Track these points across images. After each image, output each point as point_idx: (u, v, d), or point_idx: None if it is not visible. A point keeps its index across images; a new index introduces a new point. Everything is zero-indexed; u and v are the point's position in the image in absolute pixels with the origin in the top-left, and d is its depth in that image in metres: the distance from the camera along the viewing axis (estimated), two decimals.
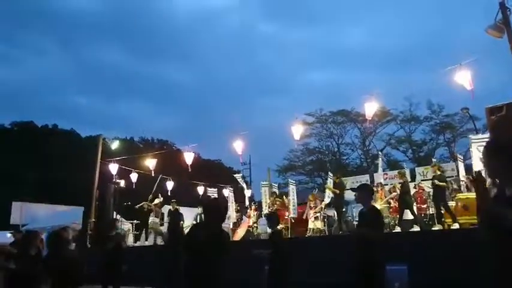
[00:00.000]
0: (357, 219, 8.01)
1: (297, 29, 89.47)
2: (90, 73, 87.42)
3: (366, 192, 4.98)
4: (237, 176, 18.67)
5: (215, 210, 3.50)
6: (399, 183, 11.94)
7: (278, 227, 6.75)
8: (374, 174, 19.25)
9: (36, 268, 4.41)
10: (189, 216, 14.16)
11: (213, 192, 18.78)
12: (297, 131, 11.24)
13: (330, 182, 14.17)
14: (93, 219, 13.53)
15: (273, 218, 6.47)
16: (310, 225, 12.74)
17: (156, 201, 15.08)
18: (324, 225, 12.66)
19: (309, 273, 8.08)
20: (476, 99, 9.03)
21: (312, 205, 13.23)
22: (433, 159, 14.37)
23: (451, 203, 10.24)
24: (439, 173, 10.27)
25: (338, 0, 75.37)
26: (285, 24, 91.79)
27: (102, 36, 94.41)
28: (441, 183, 9.82)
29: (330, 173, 15.21)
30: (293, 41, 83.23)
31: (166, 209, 14.76)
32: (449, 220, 9.74)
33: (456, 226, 8.94)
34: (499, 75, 11.16)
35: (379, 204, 10.92)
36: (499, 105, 7.59)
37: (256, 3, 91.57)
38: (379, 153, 18.50)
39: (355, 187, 5.63)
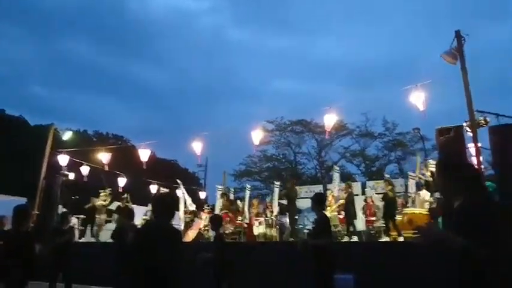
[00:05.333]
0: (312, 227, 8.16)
1: (267, 37, 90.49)
2: (53, 64, 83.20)
3: (317, 201, 5.12)
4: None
5: (166, 204, 3.38)
6: (345, 193, 12.35)
7: (221, 230, 6.67)
8: (328, 185, 19.71)
9: None
10: (140, 214, 13.80)
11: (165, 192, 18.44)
12: (257, 136, 11.28)
13: (276, 192, 14.43)
14: (37, 212, 12.83)
15: (215, 220, 6.35)
16: (255, 231, 12.94)
17: (102, 196, 14.59)
18: (276, 232, 12.81)
19: (257, 279, 8.10)
20: (428, 120, 9.51)
21: (254, 211, 13.50)
22: (386, 175, 14.94)
23: (398, 217, 10.68)
24: (389, 187, 10.69)
25: (309, 12, 77.14)
26: (257, 32, 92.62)
27: (71, 29, 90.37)
28: (392, 198, 10.25)
29: (275, 182, 15.41)
30: (263, 48, 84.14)
31: (115, 205, 14.29)
32: (394, 233, 10.16)
33: (401, 239, 9.32)
34: (450, 99, 11.81)
35: (329, 212, 11.20)
36: (448, 127, 8.04)
37: (229, 8, 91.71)
38: (335, 166, 19.09)
39: (311, 196, 5.74)
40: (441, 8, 63.72)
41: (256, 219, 13.40)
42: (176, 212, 6.04)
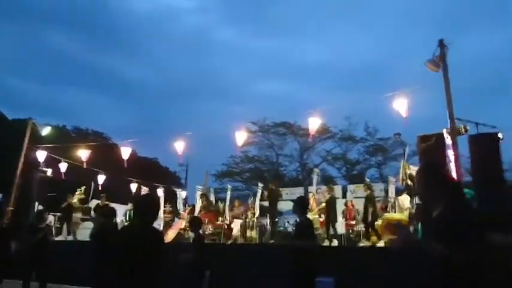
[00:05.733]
0: (292, 230, 8.16)
1: (251, 38, 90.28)
2: (30, 55, 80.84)
3: (300, 205, 5.11)
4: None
5: (149, 205, 3.32)
6: (327, 194, 12.42)
7: (201, 232, 6.63)
8: (309, 187, 19.82)
9: None
10: (120, 213, 13.59)
11: (144, 191, 18.26)
12: (241, 137, 11.24)
13: (259, 193, 14.45)
14: (11, 208, 12.49)
15: (195, 222, 6.30)
16: (235, 232, 12.92)
17: (78, 193, 14.35)
18: (256, 234, 12.78)
19: (236, 280, 8.06)
20: (409, 126, 9.66)
21: (236, 212, 13.50)
22: (367, 179, 15.10)
23: (377, 222, 10.79)
24: (369, 191, 10.81)
25: (296, 15, 77.56)
26: (240, 32, 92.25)
27: (52, 20, 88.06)
28: (372, 202, 10.36)
29: (259, 184, 15.40)
30: (246, 49, 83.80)
31: (94, 203, 14.03)
32: (374, 237, 10.27)
33: (381, 244, 9.42)
34: (431, 105, 12.02)
35: (311, 215, 11.25)
36: (429, 134, 8.19)
37: (217, 8, 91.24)
38: (315, 169, 19.34)
39: (294, 198, 5.74)
40: (423, 13, 65.01)
41: (237, 219, 13.38)
42: None
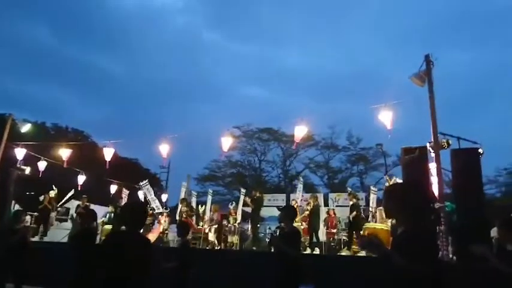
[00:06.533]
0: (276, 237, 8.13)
1: (239, 42, 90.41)
2: (6, 49, 78.44)
3: (289, 214, 5.10)
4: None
5: (137, 214, 3.28)
6: (312, 203, 12.49)
7: (188, 237, 6.54)
8: (291, 194, 19.90)
9: None
10: (100, 214, 13.33)
11: (125, 193, 18.00)
12: (227, 142, 11.20)
13: (241, 199, 14.41)
14: None
15: (183, 227, 6.22)
16: (210, 237, 12.86)
17: (52, 194, 14.05)
18: (237, 239, 12.73)
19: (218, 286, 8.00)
20: (391, 138, 9.81)
21: (212, 217, 13.44)
22: (349, 188, 15.27)
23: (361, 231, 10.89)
24: (355, 200, 10.91)
25: (283, 22, 77.97)
26: (229, 35, 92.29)
27: (30, 12, 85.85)
28: (358, 212, 10.49)
29: (242, 189, 15.37)
30: (234, 53, 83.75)
31: (74, 204, 13.74)
32: (355, 246, 10.36)
33: (363, 253, 9.50)
34: (413, 119, 12.25)
35: (294, 223, 11.27)
36: (413, 147, 8.32)
37: (203, 10, 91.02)
38: (300, 177, 19.47)
39: (277, 205, 5.72)
40: (408, 27, 66.41)
41: (210, 226, 13.32)
42: None
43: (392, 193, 2.68)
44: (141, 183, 17.74)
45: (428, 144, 8.31)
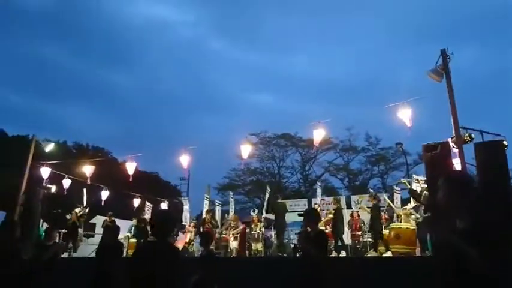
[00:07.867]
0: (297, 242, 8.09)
1: (248, 51, 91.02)
2: (26, 70, 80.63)
3: (313, 217, 5.10)
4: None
5: (170, 223, 3.33)
6: (333, 209, 12.41)
7: (211, 247, 6.54)
8: (312, 199, 19.79)
9: None
10: (124, 229, 13.54)
11: (148, 206, 18.21)
12: (246, 150, 11.26)
13: (264, 205, 14.32)
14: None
15: (206, 237, 6.24)
16: (231, 244, 12.90)
17: (77, 210, 14.37)
18: (262, 247, 12.70)
19: None
20: (410, 137, 9.68)
21: (232, 225, 13.40)
22: (370, 190, 15.09)
23: (385, 232, 10.74)
24: (375, 201, 10.78)
25: (291, 29, 78.33)
26: (237, 45, 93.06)
27: (46, 34, 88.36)
28: (377, 212, 10.34)
29: (265, 197, 15.30)
30: (243, 62, 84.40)
31: (99, 220, 13.99)
32: (382, 248, 10.22)
33: (389, 254, 9.37)
34: (433, 117, 12.07)
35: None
36: (434, 143, 8.18)
37: (210, 21, 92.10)
38: (318, 183, 19.42)
39: (298, 210, 5.71)
40: (419, 28, 65.64)
41: (233, 234, 13.32)
42: None
43: (450, 185, 2.49)
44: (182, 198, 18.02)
45: (450, 140, 8.17)
